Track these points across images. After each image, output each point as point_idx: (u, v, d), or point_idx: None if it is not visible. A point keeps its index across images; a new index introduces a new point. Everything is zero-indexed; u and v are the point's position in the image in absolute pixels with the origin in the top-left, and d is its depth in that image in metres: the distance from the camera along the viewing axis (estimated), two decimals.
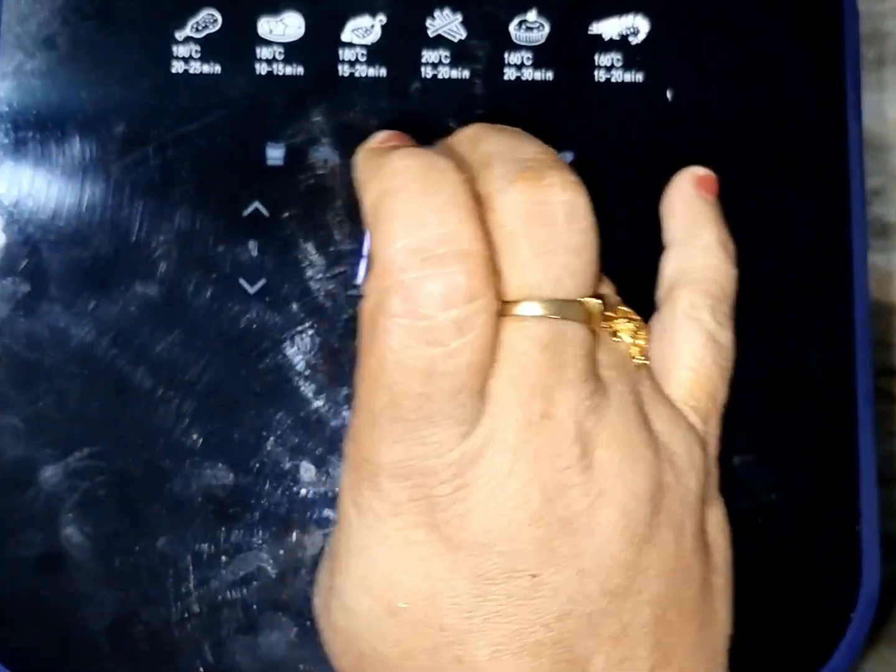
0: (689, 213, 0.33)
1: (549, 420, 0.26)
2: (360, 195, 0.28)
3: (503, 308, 0.26)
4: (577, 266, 0.26)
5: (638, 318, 0.30)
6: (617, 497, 0.26)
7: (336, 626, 0.28)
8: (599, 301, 0.28)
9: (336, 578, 0.28)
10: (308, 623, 0.37)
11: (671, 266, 0.32)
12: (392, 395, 0.25)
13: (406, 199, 0.25)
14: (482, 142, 0.29)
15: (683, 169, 0.34)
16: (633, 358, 0.29)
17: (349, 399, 0.38)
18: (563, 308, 0.26)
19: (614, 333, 0.29)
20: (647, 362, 0.30)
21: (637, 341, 0.29)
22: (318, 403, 0.38)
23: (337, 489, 0.38)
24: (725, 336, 0.31)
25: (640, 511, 0.26)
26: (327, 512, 0.38)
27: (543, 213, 0.26)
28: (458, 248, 0.25)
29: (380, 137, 0.30)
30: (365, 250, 0.39)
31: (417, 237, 0.25)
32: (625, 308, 0.30)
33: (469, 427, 0.26)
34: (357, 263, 0.39)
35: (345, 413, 0.38)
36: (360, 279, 0.38)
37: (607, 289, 0.31)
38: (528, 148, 0.28)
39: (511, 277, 0.26)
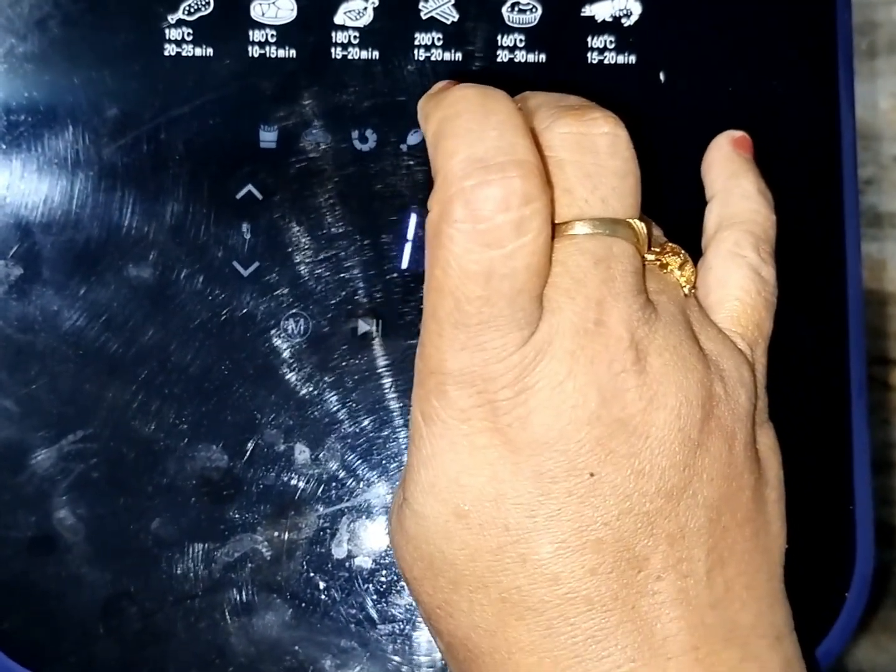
0: (728, 166, 0.35)
1: (602, 327, 0.27)
2: (423, 130, 0.30)
3: (556, 229, 0.28)
4: (622, 188, 0.28)
5: (684, 252, 0.31)
6: (670, 401, 0.27)
7: (408, 534, 0.29)
8: (644, 224, 0.29)
9: (408, 489, 0.29)
10: (302, 604, 0.37)
11: (713, 214, 0.34)
12: (455, 301, 0.27)
13: (466, 118, 0.27)
14: (529, 98, 0.31)
15: (718, 135, 0.36)
16: (682, 287, 0.31)
17: (341, 380, 0.38)
18: (612, 226, 0.28)
19: (663, 267, 0.31)
20: (695, 291, 0.32)
21: (684, 273, 0.31)
22: (311, 385, 0.38)
23: (331, 471, 0.38)
24: (769, 272, 0.32)
25: (692, 416, 0.28)
26: (321, 492, 0.38)
27: (588, 142, 0.28)
28: (515, 157, 0.26)
29: (439, 85, 0.31)
30: (410, 234, 0.39)
31: (477, 149, 0.27)
32: (672, 244, 0.32)
33: (528, 332, 0.27)
34: (402, 248, 0.39)
35: (335, 397, 0.38)
36: (405, 264, 0.39)
37: (655, 230, 0.32)
38: (571, 98, 0.30)
39: (561, 200, 0.28)
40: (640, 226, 0.29)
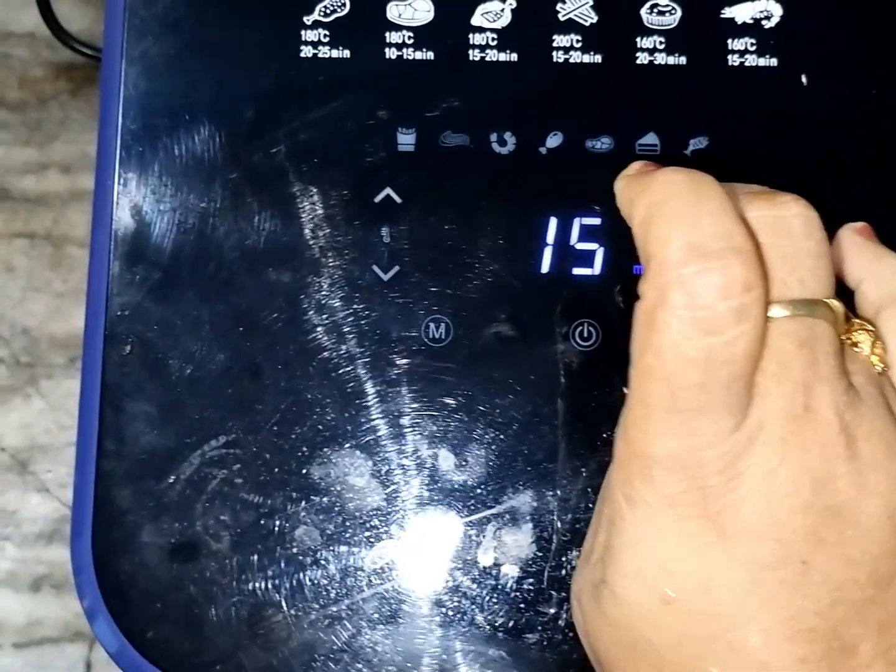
0: (865, 253, 0.34)
1: (811, 413, 0.27)
2: (627, 214, 0.30)
3: None
4: (818, 269, 0.28)
5: (873, 328, 0.31)
6: (881, 488, 0.27)
7: (608, 617, 0.29)
8: (840, 304, 0.29)
9: (608, 571, 0.28)
10: (448, 612, 0.37)
11: (869, 296, 0.33)
12: (669, 387, 0.26)
13: (680, 204, 0.27)
14: None
15: (840, 230, 0.35)
16: (875, 366, 0.30)
17: (483, 385, 0.38)
18: (811, 307, 0.28)
19: (854, 345, 0.30)
20: (888, 370, 0.31)
21: (876, 350, 0.31)
22: (455, 390, 0.38)
23: (476, 477, 0.37)
24: None
25: None
26: (467, 499, 0.37)
27: (782, 225, 0.28)
28: (733, 244, 0.26)
29: (636, 166, 0.32)
30: (550, 238, 0.38)
31: (695, 235, 0.26)
32: (859, 320, 0.31)
33: (740, 418, 0.27)
34: (542, 252, 0.38)
35: (477, 402, 0.38)
36: (545, 268, 0.38)
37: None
38: (753, 186, 0.30)
39: None
40: (837, 305, 0.29)
